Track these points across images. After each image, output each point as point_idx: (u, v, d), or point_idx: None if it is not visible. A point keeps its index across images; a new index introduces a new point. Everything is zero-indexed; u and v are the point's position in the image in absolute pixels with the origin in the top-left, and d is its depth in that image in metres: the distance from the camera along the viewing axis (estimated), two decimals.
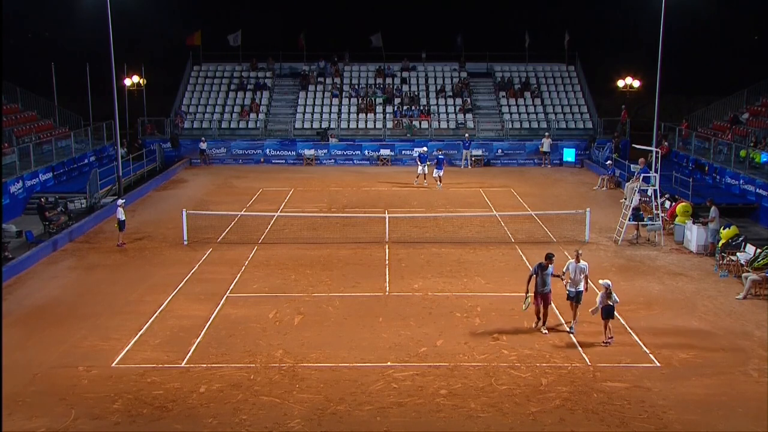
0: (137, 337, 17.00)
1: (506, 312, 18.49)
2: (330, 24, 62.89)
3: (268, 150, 43.01)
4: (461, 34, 49.89)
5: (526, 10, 62.95)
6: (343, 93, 47.25)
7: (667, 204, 28.01)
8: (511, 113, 45.76)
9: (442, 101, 46.72)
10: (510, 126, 44.79)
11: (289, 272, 21.92)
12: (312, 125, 45.02)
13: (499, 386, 14.55)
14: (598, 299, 16.59)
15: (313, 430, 12.98)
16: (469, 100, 46.43)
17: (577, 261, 17.20)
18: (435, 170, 35.10)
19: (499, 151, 42.90)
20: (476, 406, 13.76)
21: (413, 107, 45.90)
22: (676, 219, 25.96)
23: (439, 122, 45.03)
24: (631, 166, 32.41)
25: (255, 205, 31.41)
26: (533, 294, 17.14)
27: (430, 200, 32.36)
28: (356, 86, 47.88)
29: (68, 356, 15.96)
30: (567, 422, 13.19)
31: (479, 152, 42.20)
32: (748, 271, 20.41)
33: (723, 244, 22.81)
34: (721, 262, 22.22)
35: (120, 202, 25.97)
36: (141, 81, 47.86)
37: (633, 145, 32.74)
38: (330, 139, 43.37)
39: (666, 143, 39.69)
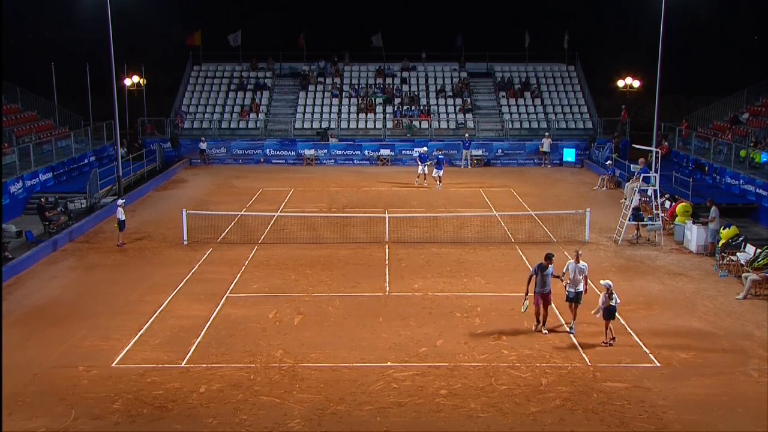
0: (137, 337, 17.00)
1: (506, 312, 18.49)
2: (330, 24, 62.89)
3: (268, 150, 43.01)
4: (461, 34, 49.90)
5: (526, 10, 62.94)
6: (343, 93, 47.25)
7: (667, 204, 28.01)
8: (511, 113, 45.76)
9: (442, 101, 46.72)
10: (510, 126, 44.79)
11: (289, 272, 21.93)
12: (312, 125, 45.02)
13: (499, 386, 14.55)
14: (600, 300, 16.56)
15: (313, 430, 12.98)
16: (469, 100, 46.43)
17: (577, 261, 17.18)
18: (435, 170, 35.09)
19: (499, 151, 42.91)
20: (476, 406, 13.76)
21: (413, 107, 45.90)
22: (676, 219, 25.96)
23: (439, 122, 45.03)
24: (631, 166, 32.41)
25: (255, 205, 31.41)
26: (533, 294, 17.12)
27: (430, 200, 32.36)
28: (356, 86, 47.88)
29: (68, 356, 15.96)
30: (567, 422, 13.19)
31: (479, 152, 42.20)
32: (748, 271, 20.41)
33: (723, 244, 22.81)
34: (721, 262, 22.22)
35: (120, 202, 25.97)
36: (141, 81, 47.85)
37: (633, 145, 32.74)
38: (330, 139, 43.37)
39: (666, 143, 39.69)
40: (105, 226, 27.64)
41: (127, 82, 46.64)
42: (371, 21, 53.63)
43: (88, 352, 16.15)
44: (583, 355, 16.05)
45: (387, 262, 23.04)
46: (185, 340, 16.76)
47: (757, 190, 29.34)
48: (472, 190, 34.84)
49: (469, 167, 41.25)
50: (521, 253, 23.86)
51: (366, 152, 42.92)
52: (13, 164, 30.90)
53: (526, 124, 45.14)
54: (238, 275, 21.63)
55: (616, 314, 16.74)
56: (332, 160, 42.79)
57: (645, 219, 26.11)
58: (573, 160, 42.16)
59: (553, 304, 17.64)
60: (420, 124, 44.72)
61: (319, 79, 48.39)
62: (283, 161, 42.85)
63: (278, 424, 13.11)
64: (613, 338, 16.56)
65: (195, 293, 20.04)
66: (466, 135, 42.42)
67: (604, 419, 13.31)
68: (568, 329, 17.34)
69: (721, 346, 16.62)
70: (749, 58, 56.81)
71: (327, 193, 34.21)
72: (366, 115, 45.66)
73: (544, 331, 17.15)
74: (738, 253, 22.07)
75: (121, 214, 24.93)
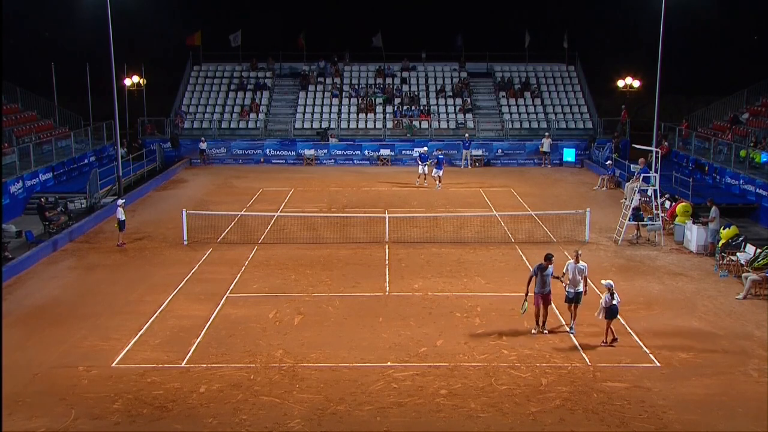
0: (137, 337, 17.00)
1: (506, 312, 18.49)
2: (330, 24, 62.85)
3: (268, 150, 43.01)
4: (461, 34, 49.89)
5: (526, 10, 62.93)
6: (343, 93, 47.25)
7: (667, 204, 28.01)
8: (511, 113, 45.76)
9: (442, 101, 46.72)
10: (510, 126, 44.79)
11: (289, 272, 21.92)
12: (312, 125, 45.02)
13: (499, 386, 14.55)
14: (602, 301, 16.47)
15: (313, 430, 12.98)
16: (469, 100, 46.43)
17: (577, 261, 17.17)
18: (434, 170, 35.09)
19: (499, 151, 42.90)
20: (476, 406, 13.76)
21: (413, 107, 45.90)
22: (676, 219, 25.96)
23: (439, 122, 45.03)
24: (631, 166, 32.41)
25: (255, 205, 31.41)
26: (533, 294, 17.10)
27: (430, 200, 32.36)
28: (356, 86, 47.89)
29: (68, 356, 15.96)
30: (567, 422, 13.19)
31: (479, 152, 42.20)
32: (748, 271, 20.40)
33: (723, 244, 22.81)
34: (721, 262, 22.22)
35: (120, 202, 25.97)
36: (141, 81, 47.86)
37: (633, 145, 32.75)
38: (330, 139, 43.37)
39: (666, 143, 39.69)
40: (105, 226, 27.64)
41: (127, 82, 46.65)
42: (371, 21, 53.63)
43: (88, 352, 16.15)
44: (583, 355, 16.05)
45: (387, 262, 23.04)
46: (185, 340, 16.76)
47: (757, 190, 29.34)
48: (472, 190, 34.84)
49: (469, 167, 41.24)
50: (521, 253, 23.86)
51: (366, 152, 42.92)
52: (13, 164, 30.90)
53: (526, 124, 45.15)
54: (238, 275, 21.63)
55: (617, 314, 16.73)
56: (332, 160, 42.79)
57: (645, 219, 26.11)
58: (573, 160, 42.16)
59: (553, 304, 17.63)
60: (420, 124, 44.72)
61: (319, 79, 48.39)
62: (283, 161, 42.86)
63: (278, 424, 13.11)
64: (615, 339, 16.51)
65: (195, 293, 20.04)
66: (466, 135, 42.42)
67: (604, 419, 13.31)
68: (568, 329, 17.33)
69: (721, 346, 16.62)
70: (749, 58, 56.80)
71: (327, 193, 34.21)
72: (366, 115, 45.67)
73: (544, 331, 17.14)
74: (738, 253, 22.08)
75: (121, 214, 24.93)
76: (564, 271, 17.34)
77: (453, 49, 50.38)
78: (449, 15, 64.07)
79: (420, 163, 36.09)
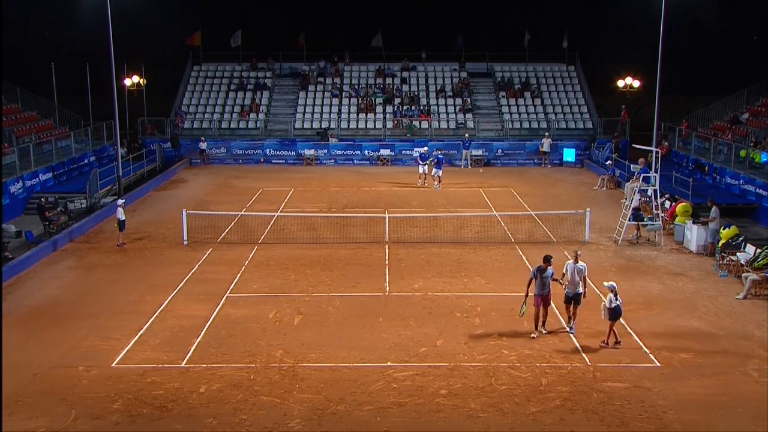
0: (137, 337, 17.00)
1: (506, 312, 18.48)
2: (330, 24, 62.91)
3: (268, 150, 43.01)
4: (461, 34, 49.89)
5: (526, 10, 63.00)
6: (343, 93, 47.25)
7: (667, 204, 28.00)
8: (511, 113, 45.76)
9: (442, 101, 46.72)
10: (510, 126, 44.79)
11: (289, 272, 21.92)
12: (312, 125, 45.02)
13: (499, 386, 14.55)
14: (606, 302, 16.41)
15: (313, 430, 12.98)
16: (469, 100, 46.43)
17: (576, 262, 17.15)
18: (434, 170, 35.08)
19: (499, 151, 42.90)
20: (476, 406, 13.76)
21: (413, 107, 45.90)
22: (676, 219, 25.96)
23: (439, 122, 45.03)
24: (631, 166, 32.41)
25: (255, 205, 31.41)
26: (533, 296, 17.07)
27: (430, 200, 32.36)
28: (356, 86, 47.88)
29: (68, 356, 15.96)
30: (567, 422, 13.19)
31: (479, 152, 42.19)
32: (748, 271, 20.40)
33: (723, 244, 22.81)
34: (721, 262, 22.22)
35: (120, 202, 25.96)
36: (141, 81, 47.86)
37: (633, 145, 32.74)
38: (330, 139, 43.37)
39: (666, 143, 39.69)
40: (105, 226, 27.64)
41: (127, 82, 46.65)
42: (371, 21, 53.69)
43: (88, 352, 16.15)
44: (583, 355, 16.05)
45: (387, 262, 23.04)
46: (185, 340, 16.76)
47: (757, 190, 29.34)
48: (472, 190, 34.84)
49: (469, 167, 41.24)
50: (521, 253, 23.86)
51: (366, 152, 42.92)
52: (13, 164, 30.90)
53: (526, 124, 45.14)
54: (238, 275, 21.63)
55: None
56: (332, 160, 42.79)
57: (645, 219, 26.11)
58: (573, 160, 42.16)
59: (553, 304, 17.63)
60: (420, 124, 44.72)
61: (319, 79, 48.39)
62: (283, 161, 42.85)
63: (278, 424, 13.11)
64: (618, 341, 16.42)
65: (195, 293, 20.04)
66: (466, 135, 42.42)
67: (604, 419, 13.31)
68: (568, 329, 17.33)
69: (721, 346, 16.62)
70: (749, 58, 56.83)
71: (327, 193, 34.21)
72: (366, 115, 45.67)
73: (543, 331, 17.13)
74: (738, 253, 22.07)
75: (121, 214, 24.93)
76: (563, 271, 17.32)
77: (453, 49, 50.38)
78: (449, 15, 64.19)
79: (420, 162, 36.09)
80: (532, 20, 55.97)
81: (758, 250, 21.25)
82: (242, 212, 29.25)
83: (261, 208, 30.73)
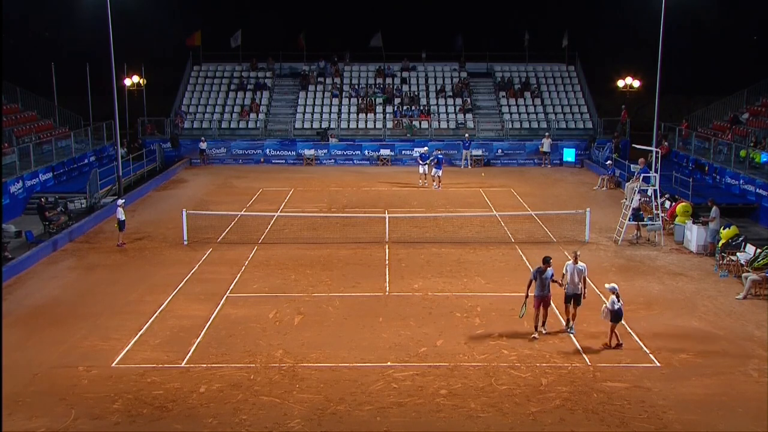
0: (137, 337, 17.00)
1: (506, 312, 18.48)
2: (330, 24, 62.92)
3: (268, 150, 43.01)
4: (461, 34, 49.88)
5: (526, 10, 63.01)
6: (343, 93, 47.25)
7: (667, 204, 28.00)
8: (511, 113, 45.76)
9: (442, 101, 46.72)
10: (510, 126, 44.79)
11: (289, 272, 21.92)
12: (312, 125, 45.02)
13: (499, 386, 14.55)
14: (608, 304, 16.39)
15: (313, 430, 12.98)
16: (469, 100, 46.43)
17: (575, 262, 17.14)
18: (434, 170, 35.08)
19: (499, 151, 42.90)
20: (476, 406, 13.76)
21: (413, 107, 45.90)
22: (676, 219, 25.96)
23: (439, 122, 45.03)
24: (631, 166, 32.40)
25: (255, 205, 31.41)
26: (533, 296, 17.05)
27: (430, 200, 32.36)
28: (356, 86, 47.88)
29: (68, 356, 15.96)
30: (567, 422, 13.19)
31: (479, 152, 42.19)
32: (748, 271, 20.40)
33: (723, 244, 22.81)
34: (721, 262, 22.22)
35: (120, 202, 25.97)
36: (141, 81, 47.86)
37: (633, 145, 32.75)
38: (330, 139, 43.37)
39: (666, 143, 39.68)
40: (105, 226, 27.64)
41: (127, 82, 46.64)
42: (371, 21, 53.66)
43: (88, 352, 16.15)
44: (583, 355, 16.05)
45: (387, 262, 23.04)
46: (185, 340, 16.76)
47: (757, 190, 29.34)
48: (472, 190, 34.84)
49: (470, 167, 41.23)
50: (521, 253, 23.86)
51: (366, 152, 42.91)
52: (13, 164, 30.90)
53: (526, 124, 45.14)
54: (238, 275, 21.63)
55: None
56: (332, 160, 42.78)
57: (645, 219, 26.11)
58: (573, 160, 42.16)
59: (553, 304, 17.62)
60: (420, 124, 44.72)
61: (319, 79, 48.39)
62: (283, 161, 42.85)
63: (278, 424, 13.11)
64: (620, 343, 16.39)
65: (195, 293, 20.04)
66: (466, 135, 42.42)
67: (604, 419, 13.31)
68: (567, 330, 17.33)
69: (721, 346, 16.62)
70: (749, 58, 56.83)
71: (327, 193, 34.21)
72: (366, 115, 45.66)
73: (543, 331, 17.13)
74: (738, 253, 22.07)
75: (121, 214, 24.93)
76: (563, 272, 17.31)
77: (453, 49, 50.37)
78: (449, 15, 64.20)
79: (420, 162, 36.09)
80: (532, 20, 56.06)
81: (758, 250, 21.25)
82: (242, 212, 29.25)
83: (261, 208, 30.73)
